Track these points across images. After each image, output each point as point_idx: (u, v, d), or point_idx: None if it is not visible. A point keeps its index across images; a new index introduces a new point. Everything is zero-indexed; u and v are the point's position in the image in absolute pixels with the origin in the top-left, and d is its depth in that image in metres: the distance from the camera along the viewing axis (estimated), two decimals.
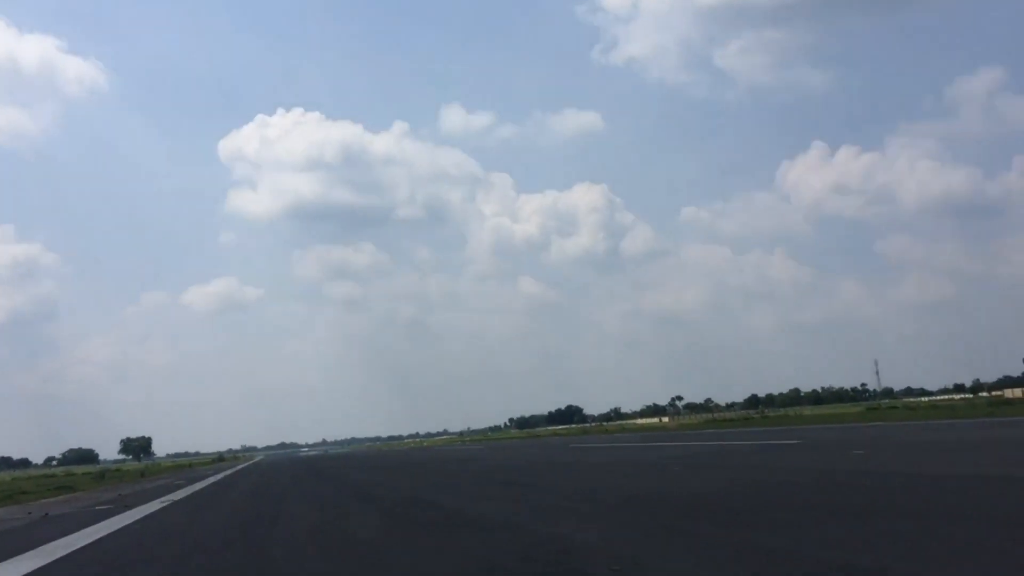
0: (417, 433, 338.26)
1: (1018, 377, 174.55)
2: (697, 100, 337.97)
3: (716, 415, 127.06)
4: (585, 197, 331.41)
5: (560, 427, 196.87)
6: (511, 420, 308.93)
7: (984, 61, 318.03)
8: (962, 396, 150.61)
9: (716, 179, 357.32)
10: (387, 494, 15.43)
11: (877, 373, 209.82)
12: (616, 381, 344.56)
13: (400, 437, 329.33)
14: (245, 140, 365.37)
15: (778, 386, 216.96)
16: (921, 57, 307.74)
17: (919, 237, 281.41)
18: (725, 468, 15.45)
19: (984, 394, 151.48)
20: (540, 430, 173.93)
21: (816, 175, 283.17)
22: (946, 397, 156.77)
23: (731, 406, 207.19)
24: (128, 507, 17.10)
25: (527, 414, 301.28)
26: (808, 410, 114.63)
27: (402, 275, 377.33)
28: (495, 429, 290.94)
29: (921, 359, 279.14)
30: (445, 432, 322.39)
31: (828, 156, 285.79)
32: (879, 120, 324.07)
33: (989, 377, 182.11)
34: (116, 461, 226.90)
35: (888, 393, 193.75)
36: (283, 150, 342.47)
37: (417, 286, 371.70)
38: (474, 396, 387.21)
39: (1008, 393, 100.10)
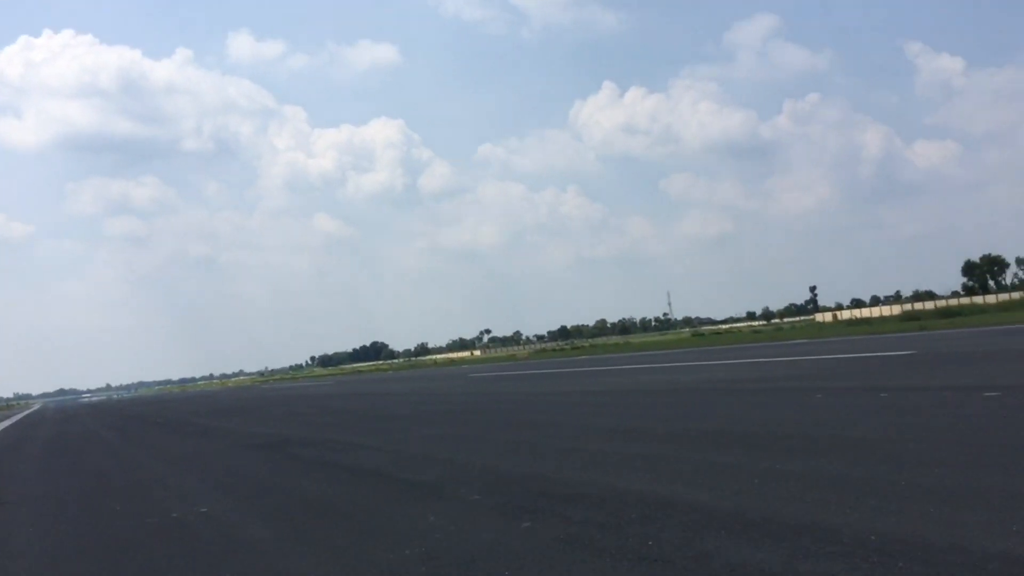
0: (211, 375, 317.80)
1: (802, 304, 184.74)
2: (493, 36, 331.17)
3: (544, 346, 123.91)
4: (382, 132, 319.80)
5: (373, 363, 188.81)
6: (313, 358, 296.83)
7: (759, 8, 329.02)
8: (762, 323, 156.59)
9: (512, 116, 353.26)
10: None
11: (670, 304, 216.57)
12: (418, 317, 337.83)
13: (193, 379, 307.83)
14: (6, 63, 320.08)
15: (581, 318, 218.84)
16: (704, 2, 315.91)
17: (700, 176, 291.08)
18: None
19: (776, 320, 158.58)
20: (360, 366, 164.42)
21: (606, 115, 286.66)
22: (745, 324, 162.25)
23: (540, 338, 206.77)
24: None
25: (330, 351, 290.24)
26: (635, 339, 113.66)
27: (190, 211, 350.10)
28: (296, 368, 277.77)
29: (706, 290, 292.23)
30: (242, 373, 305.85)
31: (618, 96, 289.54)
32: (665, 62, 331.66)
33: (775, 305, 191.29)
34: None
35: (688, 322, 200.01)
36: (52, 75, 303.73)
37: (206, 222, 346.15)
38: (271, 335, 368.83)
39: (819, 317, 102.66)
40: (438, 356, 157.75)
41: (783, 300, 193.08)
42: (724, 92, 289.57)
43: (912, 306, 69.75)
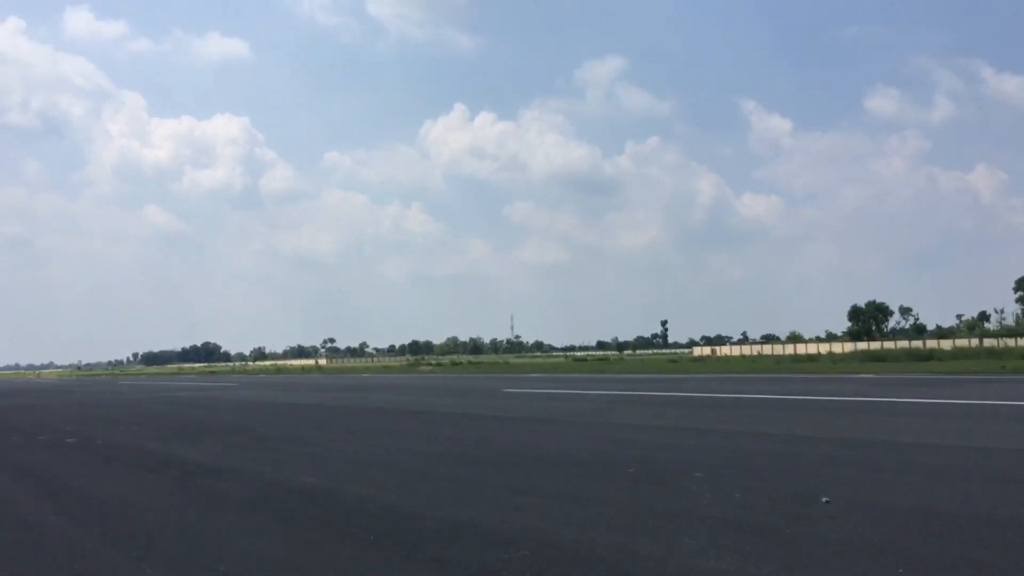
0: (18, 364, 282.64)
1: (649, 337, 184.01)
2: (347, 44, 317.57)
3: (428, 360, 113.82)
4: (225, 128, 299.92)
5: (202, 364, 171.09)
6: (136, 355, 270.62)
7: (609, 50, 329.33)
8: (607, 352, 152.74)
9: (360, 127, 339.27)
10: None
11: (512, 327, 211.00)
12: (250, 321, 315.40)
13: None
14: None
15: (424, 335, 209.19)
16: (559, 37, 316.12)
17: (542, 205, 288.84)
18: None
19: (628, 352, 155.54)
20: (197, 366, 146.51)
21: (455, 136, 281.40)
22: (594, 353, 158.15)
23: (387, 351, 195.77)
24: None
25: (156, 349, 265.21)
26: (512, 359, 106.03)
27: (4, 189, 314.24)
28: (117, 364, 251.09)
29: (543, 317, 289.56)
30: (52, 365, 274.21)
31: (468, 119, 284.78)
32: (516, 91, 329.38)
33: (622, 337, 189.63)
34: None
35: (539, 346, 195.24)
36: None
37: (24, 203, 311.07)
38: (88, 327, 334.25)
39: (696, 351, 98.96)
40: (282, 362, 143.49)
41: (621, 333, 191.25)
42: (571, 126, 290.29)
43: (846, 347, 65.92)
